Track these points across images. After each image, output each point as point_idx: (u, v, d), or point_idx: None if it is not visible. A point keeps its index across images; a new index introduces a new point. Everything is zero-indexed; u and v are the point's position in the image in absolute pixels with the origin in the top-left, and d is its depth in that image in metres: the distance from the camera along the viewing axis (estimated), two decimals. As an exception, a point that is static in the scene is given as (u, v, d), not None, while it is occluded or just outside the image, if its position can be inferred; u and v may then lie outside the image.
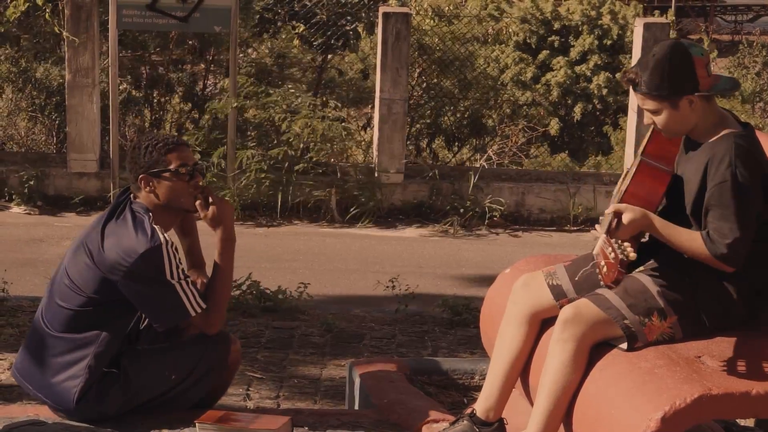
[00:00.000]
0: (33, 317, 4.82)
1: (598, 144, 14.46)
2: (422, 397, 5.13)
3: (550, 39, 14.22)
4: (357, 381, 5.33)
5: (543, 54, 14.07)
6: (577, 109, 13.70)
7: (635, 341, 4.01)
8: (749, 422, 4.82)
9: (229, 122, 12.10)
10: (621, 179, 4.42)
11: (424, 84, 14.40)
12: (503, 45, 14.67)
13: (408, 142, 13.73)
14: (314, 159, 12.18)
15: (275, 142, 12.34)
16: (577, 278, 4.31)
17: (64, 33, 11.79)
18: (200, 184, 4.67)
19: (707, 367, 3.86)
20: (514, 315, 4.40)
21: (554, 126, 13.89)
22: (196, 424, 4.45)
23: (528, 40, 14.32)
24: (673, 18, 16.90)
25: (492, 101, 14.49)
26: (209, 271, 4.86)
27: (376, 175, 12.32)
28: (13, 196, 12.02)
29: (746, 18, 29.29)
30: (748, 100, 16.39)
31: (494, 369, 4.41)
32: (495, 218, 11.92)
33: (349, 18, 15.08)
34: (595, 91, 13.65)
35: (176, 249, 4.51)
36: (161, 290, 4.44)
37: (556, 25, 14.22)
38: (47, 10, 9.86)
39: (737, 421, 4.78)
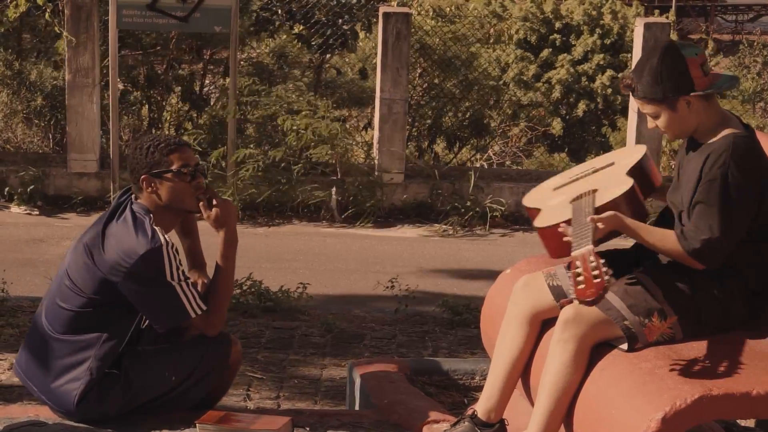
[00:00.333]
0: (33, 317, 4.81)
1: (599, 144, 14.45)
2: (423, 397, 5.13)
3: (551, 37, 14.22)
4: (357, 381, 5.33)
5: (545, 52, 14.07)
6: (581, 105, 13.69)
7: (635, 342, 4.01)
8: (750, 422, 4.82)
9: (229, 122, 12.11)
10: (578, 177, 4.45)
11: (425, 84, 14.39)
12: (504, 45, 14.67)
13: (409, 143, 13.73)
14: (314, 159, 12.18)
15: (275, 141, 12.34)
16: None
17: (64, 33, 11.79)
18: (202, 184, 4.66)
19: (708, 368, 3.85)
20: (515, 315, 4.40)
21: (557, 126, 13.88)
22: (197, 424, 4.45)
23: (529, 38, 14.32)
24: (674, 18, 16.91)
25: (493, 101, 14.47)
26: (210, 271, 4.86)
27: (376, 174, 12.32)
28: (13, 196, 12.02)
29: (747, 18, 29.29)
30: (748, 100, 16.39)
31: (495, 370, 4.41)
32: (495, 218, 11.92)
33: (346, 17, 15.08)
34: (599, 90, 13.65)
35: (176, 250, 4.51)
36: (161, 291, 4.44)
37: (558, 24, 14.22)
38: (47, 10, 9.85)
39: (738, 421, 4.78)
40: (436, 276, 9.86)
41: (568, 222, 4.05)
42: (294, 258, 10.36)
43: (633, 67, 4.21)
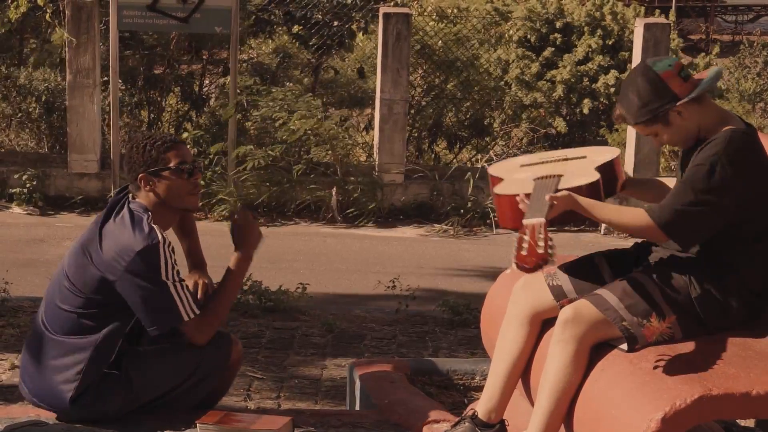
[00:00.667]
0: (32, 318, 4.81)
1: (599, 144, 14.44)
2: (423, 397, 5.13)
3: (552, 37, 14.21)
4: (358, 381, 5.34)
5: (548, 51, 14.08)
6: (586, 103, 13.69)
7: (635, 342, 4.01)
8: (750, 422, 4.83)
9: (230, 123, 12.12)
10: (548, 161, 4.50)
11: (426, 85, 14.38)
12: (505, 45, 14.65)
13: (409, 143, 13.74)
14: (315, 159, 12.19)
15: (275, 142, 12.36)
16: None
17: (65, 34, 11.80)
18: (199, 181, 4.66)
19: (707, 368, 3.86)
20: (515, 315, 4.40)
21: (560, 124, 13.88)
22: (197, 424, 4.45)
23: (529, 37, 14.31)
24: (674, 18, 16.90)
25: (494, 102, 14.46)
26: (211, 271, 4.86)
27: (376, 175, 12.33)
28: (14, 197, 12.04)
29: (747, 18, 29.30)
30: (749, 100, 16.39)
31: (496, 370, 4.41)
32: (496, 219, 11.93)
33: (345, 18, 15.08)
34: (602, 90, 13.66)
35: (173, 250, 4.49)
36: (156, 290, 4.42)
37: (559, 24, 14.21)
38: (48, 11, 9.86)
39: (737, 421, 4.78)
40: (437, 276, 9.87)
41: (527, 196, 4.08)
42: (294, 258, 10.37)
43: (618, 98, 4.27)
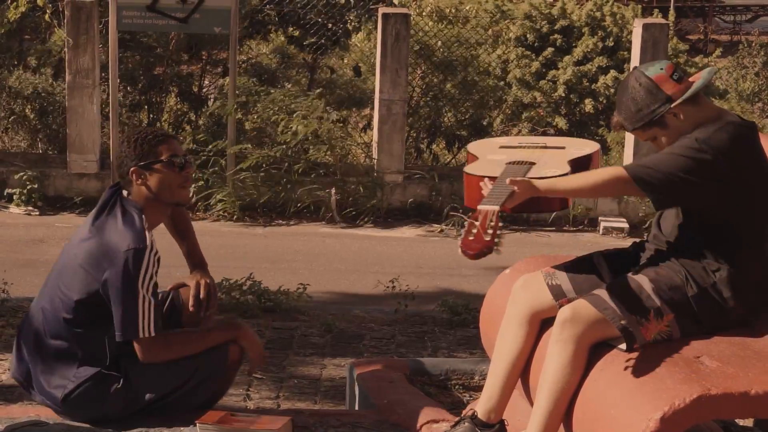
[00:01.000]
0: (25, 316, 4.79)
1: (598, 143, 14.43)
2: (422, 397, 5.14)
3: (552, 37, 14.21)
4: (357, 381, 5.34)
5: (548, 51, 14.08)
6: (588, 103, 13.70)
7: (633, 341, 4.02)
8: (748, 422, 4.83)
9: (229, 123, 12.13)
10: (527, 146, 4.56)
11: (424, 85, 14.37)
12: (504, 44, 14.65)
13: (408, 144, 13.74)
14: (314, 158, 12.20)
15: (274, 143, 12.36)
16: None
17: (63, 34, 11.81)
18: (191, 174, 4.65)
19: (706, 368, 3.86)
20: (514, 315, 4.41)
21: (560, 122, 13.88)
22: (197, 424, 4.46)
23: (528, 37, 14.31)
24: (673, 18, 16.90)
25: (492, 102, 14.46)
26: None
27: (375, 175, 12.34)
28: (13, 197, 12.04)
29: (745, 18, 29.29)
30: (748, 100, 16.40)
31: (495, 370, 4.41)
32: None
33: (337, 18, 15.10)
34: (602, 90, 13.67)
35: (159, 260, 4.44)
36: (128, 297, 4.37)
37: (559, 25, 14.22)
38: (48, 11, 9.86)
39: (736, 421, 4.79)
40: (436, 276, 9.88)
41: (493, 179, 4.09)
42: (293, 258, 10.38)
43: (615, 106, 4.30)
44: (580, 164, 4.32)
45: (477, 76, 14.28)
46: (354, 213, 12.02)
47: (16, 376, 4.72)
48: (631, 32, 13.39)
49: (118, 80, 12.55)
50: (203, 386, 4.64)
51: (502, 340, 4.43)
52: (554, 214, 12.18)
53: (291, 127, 12.03)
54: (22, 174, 12.04)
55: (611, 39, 14.08)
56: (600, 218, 12.24)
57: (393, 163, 12.40)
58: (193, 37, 14.62)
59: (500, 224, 3.76)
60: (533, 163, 4.28)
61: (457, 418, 4.51)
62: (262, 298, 8.07)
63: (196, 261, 4.89)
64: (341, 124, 13.38)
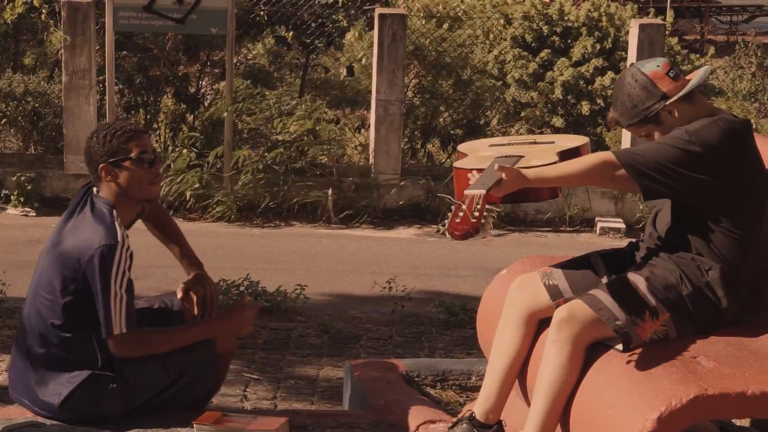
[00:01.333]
0: (19, 319, 4.78)
1: (594, 143, 14.45)
2: (419, 398, 5.14)
3: (551, 39, 14.22)
4: (354, 382, 5.34)
5: (545, 53, 14.08)
6: (585, 106, 13.71)
7: (630, 341, 4.02)
8: (745, 422, 4.84)
9: (226, 123, 12.13)
10: (517, 143, 4.58)
11: (418, 86, 14.36)
12: (497, 42, 14.65)
13: (403, 144, 13.73)
14: (310, 159, 12.20)
15: (269, 144, 12.36)
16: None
17: (61, 34, 11.80)
18: (159, 171, 4.64)
19: (703, 368, 3.87)
20: (512, 316, 4.41)
21: (558, 121, 13.89)
22: (194, 425, 4.45)
23: (527, 38, 14.31)
24: (672, 19, 16.91)
25: (488, 102, 14.45)
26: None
27: (372, 176, 12.34)
28: (10, 198, 12.03)
29: (741, 18, 29.33)
30: (744, 99, 16.41)
31: (492, 370, 4.41)
32: (491, 219, 11.92)
33: (327, 19, 15.11)
34: (599, 91, 13.68)
35: (131, 255, 4.42)
36: (103, 292, 4.36)
37: (558, 26, 14.22)
38: (44, 12, 9.86)
39: (733, 421, 4.79)
40: (432, 277, 9.88)
41: (481, 170, 4.10)
42: (290, 259, 10.38)
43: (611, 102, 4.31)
44: (568, 156, 4.33)
45: (474, 76, 14.27)
46: (351, 214, 12.02)
47: (12, 394, 4.71)
48: (627, 32, 13.39)
49: (115, 81, 12.55)
50: (199, 381, 4.64)
51: (499, 340, 4.43)
52: (550, 213, 12.20)
53: (288, 128, 12.03)
54: (19, 175, 12.04)
55: (609, 40, 14.09)
56: (597, 219, 12.25)
57: (390, 163, 12.40)
58: (191, 38, 14.61)
59: (486, 206, 3.78)
60: (521, 156, 4.32)
61: (454, 419, 4.52)
62: (259, 298, 8.06)
63: (192, 263, 4.88)
64: (337, 124, 13.37)
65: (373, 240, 11.41)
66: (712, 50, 16.72)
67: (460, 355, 7.04)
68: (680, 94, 4.13)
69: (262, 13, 14.89)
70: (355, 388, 5.32)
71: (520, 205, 11.97)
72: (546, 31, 14.31)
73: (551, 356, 4.07)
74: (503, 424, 4.43)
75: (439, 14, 14.47)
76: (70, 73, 12.12)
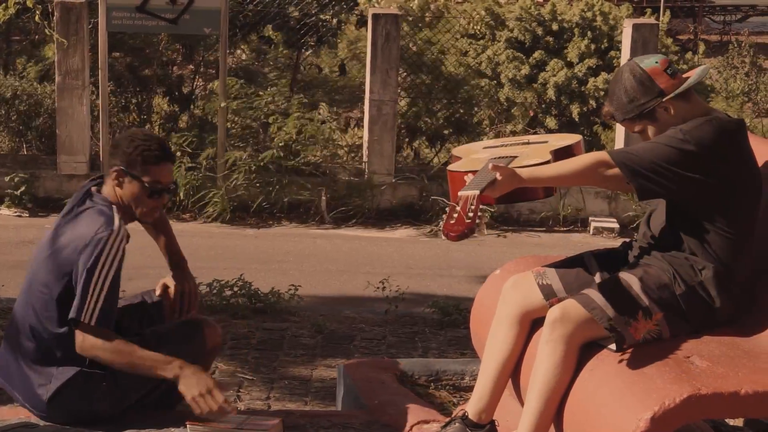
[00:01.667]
0: (10, 316, 4.78)
1: (588, 143, 14.43)
2: (413, 398, 5.14)
3: (545, 39, 14.22)
4: (347, 382, 5.34)
5: (538, 54, 14.08)
6: (575, 109, 13.71)
7: (623, 341, 4.03)
8: (738, 422, 4.84)
9: (219, 123, 12.12)
10: (510, 144, 4.61)
11: (406, 85, 14.31)
12: (486, 41, 14.63)
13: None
14: (303, 159, 12.19)
15: (263, 143, 12.36)
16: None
17: (54, 35, 11.79)
18: (162, 204, 4.64)
19: (696, 367, 3.87)
20: (505, 315, 4.41)
21: (551, 122, 13.88)
22: (187, 425, 4.45)
23: (521, 38, 14.30)
24: (668, 19, 16.92)
25: (484, 101, 14.43)
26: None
27: (366, 176, 12.34)
28: (4, 199, 12.01)
29: (735, 18, 29.37)
30: (736, 99, 16.42)
31: (486, 370, 4.41)
32: (485, 219, 11.92)
33: (314, 19, 15.13)
34: (592, 92, 13.68)
35: (123, 250, 4.42)
36: (86, 278, 4.34)
37: (554, 26, 14.21)
38: (37, 12, 9.84)
39: (726, 420, 4.80)
40: (426, 277, 9.88)
41: (476, 173, 4.11)
42: (284, 259, 10.37)
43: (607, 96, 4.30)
44: (562, 154, 4.33)
45: (467, 73, 14.25)
46: (344, 214, 12.02)
47: (2, 383, 4.71)
48: (621, 32, 13.40)
49: (108, 81, 12.54)
50: None
51: (493, 340, 4.43)
52: (543, 213, 12.21)
53: (283, 128, 12.04)
54: (12, 175, 12.02)
55: (605, 41, 14.09)
56: (590, 218, 12.25)
57: (383, 163, 12.40)
58: (186, 39, 14.59)
59: (481, 206, 3.79)
60: (515, 156, 4.33)
61: (447, 419, 4.51)
62: (252, 299, 8.06)
63: (174, 258, 4.87)
64: (332, 123, 13.36)
65: (366, 240, 11.41)
66: (702, 47, 16.72)
67: (453, 355, 7.04)
68: (677, 91, 4.13)
69: (250, 14, 14.89)
70: (348, 389, 5.32)
71: (513, 205, 11.97)
72: (540, 32, 14.31)
73: (545, 356, 4.07)
74: (496, 423, 4.43)
75: (418, 14, 14.44)
76: (63, 74, 12.11)
